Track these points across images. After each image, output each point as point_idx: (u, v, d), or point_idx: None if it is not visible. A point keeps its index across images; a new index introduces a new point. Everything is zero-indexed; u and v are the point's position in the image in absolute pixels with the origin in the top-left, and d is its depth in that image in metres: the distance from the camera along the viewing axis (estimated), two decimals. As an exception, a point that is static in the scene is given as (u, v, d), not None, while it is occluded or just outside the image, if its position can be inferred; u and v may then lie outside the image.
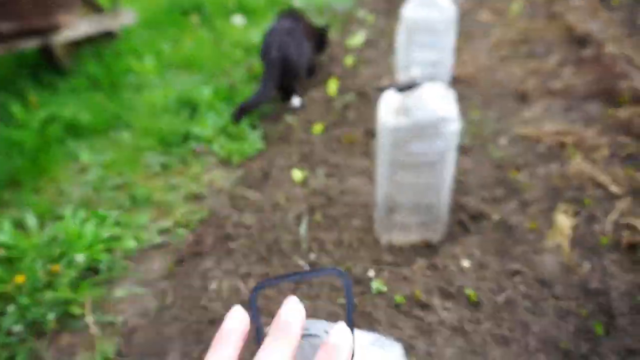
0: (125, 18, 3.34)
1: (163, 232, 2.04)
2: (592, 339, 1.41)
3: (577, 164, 2.09)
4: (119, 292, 1.75)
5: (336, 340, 0.44)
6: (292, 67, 2.64)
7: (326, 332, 0.59)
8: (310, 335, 0.59)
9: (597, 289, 1.53)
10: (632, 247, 1.70)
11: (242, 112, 2.59)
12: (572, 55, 3.06)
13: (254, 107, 2.61)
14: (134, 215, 2.09)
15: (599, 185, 1.98)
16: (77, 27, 2.96)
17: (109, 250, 1.90)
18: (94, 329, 1.60)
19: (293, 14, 2.91)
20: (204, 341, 1.49)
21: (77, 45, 3.28)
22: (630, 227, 1.76)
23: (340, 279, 0.51)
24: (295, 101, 2.79)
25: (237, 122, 2.60)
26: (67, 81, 3.06)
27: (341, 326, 0.46)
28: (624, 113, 2.39)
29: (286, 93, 2.77)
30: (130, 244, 1.93)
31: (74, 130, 2.63)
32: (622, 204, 1.86)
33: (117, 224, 2.04)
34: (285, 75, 2.64)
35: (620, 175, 2.01)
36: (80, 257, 1.79)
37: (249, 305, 0.51)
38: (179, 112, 2.75)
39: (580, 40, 3.23)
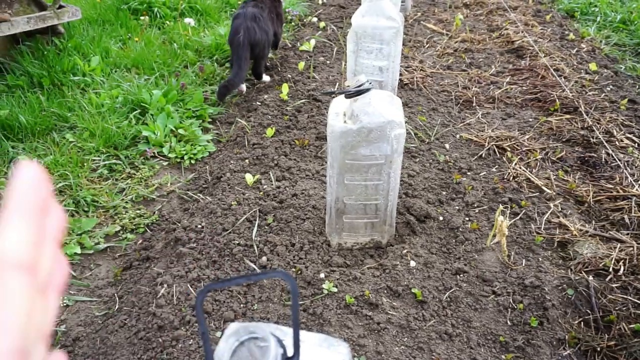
0: (70, 15, 3.21)
1: (110, 237, 1.98)
2: (528, 331, 1.51)
3: (515, 167, 2.23)
4: (62, 300, 1.68)
5: None
6: (258, 50, 2.82)
7: (272, 334, 0.61)
8: (256, 338, 0.61)
9: (532, 284, 1.64)
10: (562, 244, 1.84)
11: (225, 91, 2.74)
12: (510, 66, 3.25)
13: (233, 88, 2.79)
14: (78, 220, 2.01)
15: (535, 187, 2.12)
16: (16, 22, 2.80)
17: (50, 257, 1.82)
18: (33, 340, 1.53)
19: None
20: (152, 348, 1.46)
21: (16, 41, 3.11)
22: (562, 226, 1.90)
23: (286, 281, 0.53)
24: (266, 78, 3.06)
25: (221, 101, 2.80)
26: (4, 79, 2.89)
27: None
28: (554, 120, 2.57)
29: (256, 74, 3.00)
30: (74, 249, 1.86)
31: (11, 131, 2.49)
32: (554, 205, 2.00)
33: (60, 229, 1.96)
34: (252, 58, 2.85)
35: (552, 177, 2.17)
36: (18, 265, 1.71)
37: (195, 310, 0.52)
38: (127, 114, 2.68)
39: (518, 52, 3.44)
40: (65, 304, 1.67)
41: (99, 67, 3.09)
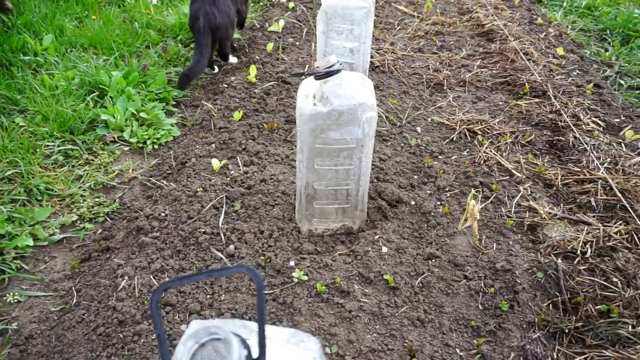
0: (18, -10, 2.99)
1: (66, 227, 1.87)
2: (499, 315, 1.51)
3: (485, 151, 2.22)
4: (12, 296, 1.56)
5: None
6: (220, 34, 2.70)
7: (235, 334, 0.55)
8: (217, 339, 0.55)
9: (503, 268, 1.64)
10: (532, 228, 1.84)
11: (186, 80, 2.59)
12: (480, 49, 3.24)
13: (194, 76, 2.65)
14: (31, 209, 1.88)
15: (505, 170, 2.12)
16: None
17: (-1, 250, 1.70)
18: (-19, 340, 1.42)
19: None
20: (112, 344, 1.38)
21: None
22: (531, 210, 1.91)
23: (251, 276, 0.47)
24: (233, 60, 2.96)
25: (183, 89, 2.64)
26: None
27: None
28: (524, 104, 2.58)
29: (222, 55, 2.90)
30: (26, 242, 1.74)
31: (-45, 114, 2.31)
32: (524, 188, 2.01)
33: (10, 220, 1.83)
34: (215, 43, 2.72)
35: (522, 161, 2.17)
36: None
37: (150, 310, 0.45)
38: (84, 97, 2.52)
39: (488, 35, 3.43)
40: (16, 300, 1.56)
41: (53, 47, 2.90)
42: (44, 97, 2.45)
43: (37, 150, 2.18)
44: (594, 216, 1.87)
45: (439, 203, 1.93)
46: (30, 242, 1.75)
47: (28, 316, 1.52)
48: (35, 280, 1.65)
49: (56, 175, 2.07)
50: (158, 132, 2.40)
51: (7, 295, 1.57)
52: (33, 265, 1.71)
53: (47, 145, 2.22)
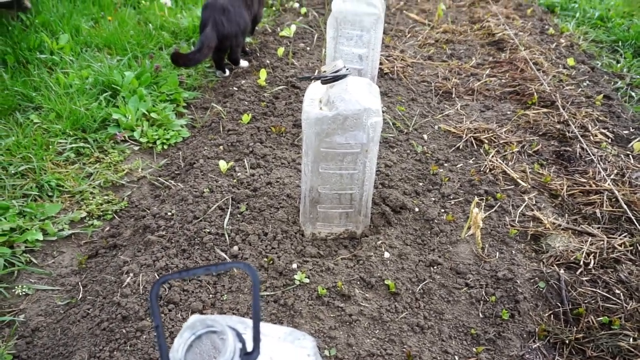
0: (37, -10, 3.06)
1: (75, 223, 1.90)
2: (499, 324, 1.51)
3: (492, 160, 2.22)
4: (21, 289, 1.60)
5: None
6: (229, 42, 2.74)
7: (231, 328, 0.57)
8: (213, 332, 0.57)
9: (505, 277, 1.64)
10: (535, 237, 1.84)
11: (175, 59, 2.53)
12: (490, 58, 3.24)
13: (180, 64, 2.60)
14: (41, 205, 1.92)
15: (510, 180, 2.12)
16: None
17: (10, 244, 1.74)
18: (-11, 330, 1.46)
19: None
20: (115, 339, 1.40)
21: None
22: (535, 219, 1.91)
23: (247, 272, 0.49)
24: (244, 64, 3.01)
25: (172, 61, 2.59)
26: (-35, 56, 2.75)
27: None
28: (532, 113, 2.58)
29: (232, 59, 2.94)
30: (36, 236, 1.78)
31: (-29, 110, 2.37)
32: (529, 198, 2.00)
33: (21, 214, 1.87)
34: (222, 49, 2.77)
35: (528, 171, 2.17)
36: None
37: (149, 302, 0.47)
38: (97, 96, 2.57)
39: (498, 45, 3.44)
40: (24, 293, 1.60)
41: (68, 46, 2.96)
42: (58, 95, 2.50)
43: (50, 147, 2.22)
44: (598, 228, 1.87)
45: (443, 210, 1.93)
46: (40, 237, 1.78)
47: (35, 309, 1.55)
48: (43, 274, 1.68)
49: (67, 172, 2.12)
50: (168, 133, 2.43)
51: (16, 287, 1.61)
52: (42, 259, 1.74)
53: (60, 143, 2.27)
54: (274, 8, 3.99)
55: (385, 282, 1.59)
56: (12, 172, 2.05)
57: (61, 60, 2.84)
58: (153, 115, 2.48)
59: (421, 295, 1.58)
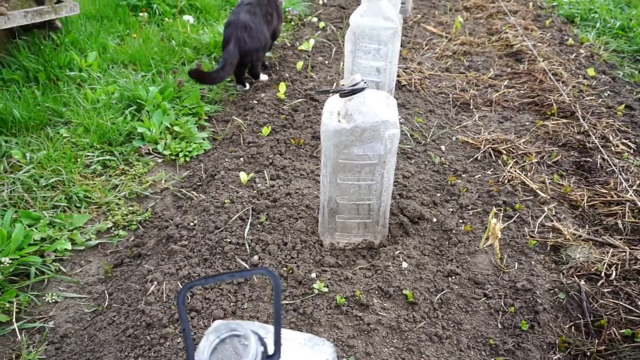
0: (68, 10, 3.20)
1: (101, 233, 1.97)
2: (518, 335, 1.50)
3: (510, 170, 2.22)
4: (50, 296, 1.66)
5: None
6: (250, 58, 2.85)
7: (253, 332, 0.60)
8: (237, 335, 0.60)
9: (524, 287, 1.63)
10: (555, 248, 1.83)
11: (195, 76, 2.65)
12: (508, 69, 3.24)
13: (202, 82, 2.76)
14: (70, 215, 2.00)
15: (529, 190, 2.12)
16: (13, 16, 2.79)
17: (40, 253, 1.81)
18: (20, 337, 1.52)
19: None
20: (140, 346, 1.45)
21: (12, 35, 3.09)
22: (555, 230, 1.89)
23: (269, 277, 0.52)
24: (263, 77, 3.09)
25: (190, 76, 2.67)
26: None
27: None
28: (551, 124, 2.57)
29: (253, 74, 3.03)
30: (65, 246, 1.85)
31: (4, 125, 2.48)
32: (549, 209, 1.99)
33: (51, 225, 1.95)
34: (244, 65, 2.86)
35: (547, 181, 2.16)
36: (6, 261, 1.69)
37: (176, 307, 0.51)
38: (122, 110, 2.67)
39: (516, 56, 3.44)
40: (54, 300, 1.66)
41: (96, 63, 3.08)
42: (86, 110, 2.60)
43: (78, 160, 2.31)
44: (620, 239, 1.84)
45: (461, 221, 1.94)
46: (69, 246, 1.86)
47: (64, 316, 1.61)
48: (71, 282, 1.75)
49: (94, 184, 2.20)
50: (190, 145, 2.50)
51: (46, 295, 1.67)
52: (70, 268, 1.81)
53: (87, 156, 2.36)
54: (292, 23, 4.08)
55: (403, 291, 1.60)
56: (43, 184, 2.14)
57: (89, 77, 2.96)
58: (176, 128, 2.56)
59: (439, 305, 1.59)
